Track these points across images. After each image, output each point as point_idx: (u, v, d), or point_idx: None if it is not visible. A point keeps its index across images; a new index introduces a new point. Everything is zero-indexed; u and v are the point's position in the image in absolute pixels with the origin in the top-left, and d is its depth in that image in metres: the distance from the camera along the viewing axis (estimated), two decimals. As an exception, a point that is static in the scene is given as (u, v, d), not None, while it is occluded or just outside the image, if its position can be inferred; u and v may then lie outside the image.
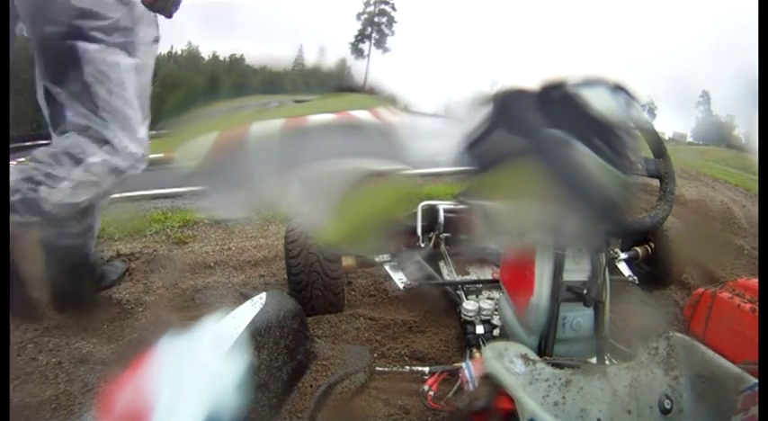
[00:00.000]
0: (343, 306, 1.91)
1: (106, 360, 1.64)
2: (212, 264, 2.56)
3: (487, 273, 1.97)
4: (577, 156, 1.04)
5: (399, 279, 1.88)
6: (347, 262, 1.93)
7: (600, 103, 1.05)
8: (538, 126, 1.06)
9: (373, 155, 2.03)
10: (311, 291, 1.80)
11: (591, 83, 1.08)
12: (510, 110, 1.13)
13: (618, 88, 1.09)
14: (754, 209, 3.67)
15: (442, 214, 2.09)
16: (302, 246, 1.82)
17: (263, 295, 1.32)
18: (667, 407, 0.95)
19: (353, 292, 2.13)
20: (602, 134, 1.06)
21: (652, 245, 2.06)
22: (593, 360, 1.21)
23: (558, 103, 1.07)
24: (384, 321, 1.82)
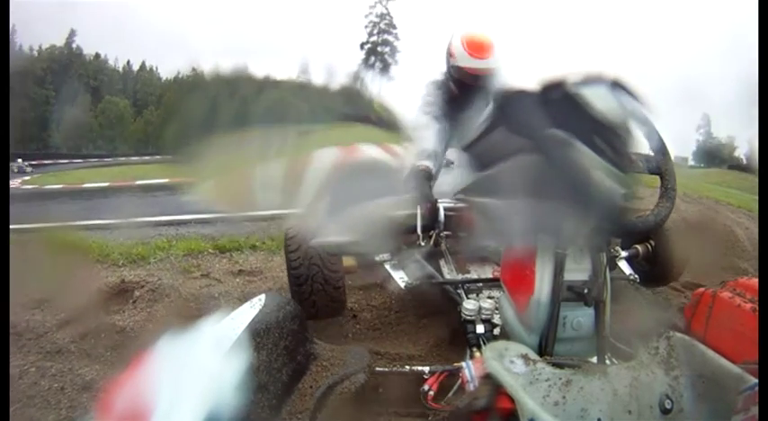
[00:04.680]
0: (344, 302, 1.91)
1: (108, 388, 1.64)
2: (216, 295, 2.53)
3: (488, 272, 1.96)
4: (579, 156, 1.03)
5: (400, 278, 1.87)
6: (348, 262, 1.93)
7: (600, 102, 1.05)
8: (539, 126, 1.05)
9: (391, 193, 2.07)
10: (311, 284, 1.80)
11: (590, 81, 1.07)
12: (511, 110, 1.13)
13: (616, 85, 1.08)
14: (757, 230, 3.59)
15: (442, 213, 2.09)
16: (301, 241, 1.83)
17: (263, 296, 1.32)
18: (668, 406, 0.95)
19: (358, 326, 2.12)
20: (602, 134, 1.06)
21: (652, 243, 2.06)
22: (594, 359, 1.20)
23: (558, 103, 1.06)
24: (390, 355, 1.80)
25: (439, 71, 2.33)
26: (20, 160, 11.28)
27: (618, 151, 1.07)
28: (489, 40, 2.13)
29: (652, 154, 1.27)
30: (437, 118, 2.16)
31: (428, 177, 1.96)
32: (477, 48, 2.10)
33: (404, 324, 1.90)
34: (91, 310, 2.22)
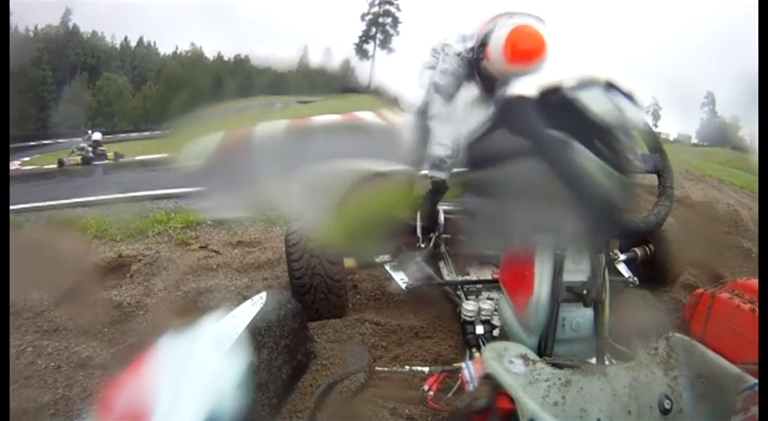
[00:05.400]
0: (346, 309, 1.89)
1: (106, 364, 1.63)
2: (215, 267, 2.52)
3: (487, 274, 1.97)
4: (579, 157, 1.04)
5: (401, 279, 1.88)
6: (348, 263, 1.92)
7: (596, 105, 1.06)
8: (540, 128, 1.06)
9: (377, 155, 2.04)
10: (314, 294, 1.78)
11: (584, 84, 1.08)
12: (512, 113, 1.14)
13: (610, 85, 1.09)
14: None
15: (442, 214, 2.09)
16: (304, 250, 1.80)
17: (264, 294, 1.32)
18: (667, 407, 0.95)
19: (359, 296, 2.08)
20: (600, 137, 1.07)
21: (651, 247, 2.06)
22: (593, 360, 1.21)
23: (556, 107, 1.07)
24: (390, 326, 1.78)
25: (461, 41, 1.86)
26: (89, 131, 11.66)
27: (616, 153, 1.07)
28: (542, 40, 1.63)
29: (649, 153, 1.28)
30: (452, 96, 1.88)
31: (441, 190, 1.92)
32: (523, 54, 1.63)
33: (401, 290, 1.83)
34: (88, 286, 2.20)
